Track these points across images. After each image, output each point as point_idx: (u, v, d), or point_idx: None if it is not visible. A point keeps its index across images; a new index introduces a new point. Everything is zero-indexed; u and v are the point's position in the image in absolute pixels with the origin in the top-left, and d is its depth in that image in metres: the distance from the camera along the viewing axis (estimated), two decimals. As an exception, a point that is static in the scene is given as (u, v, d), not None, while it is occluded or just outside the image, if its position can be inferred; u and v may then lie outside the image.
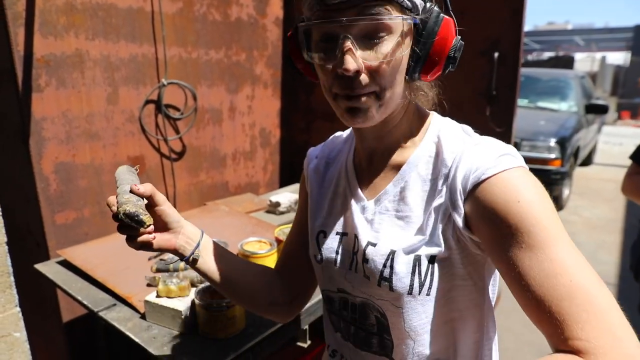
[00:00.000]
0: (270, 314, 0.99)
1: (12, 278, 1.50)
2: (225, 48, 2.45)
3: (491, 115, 2.26)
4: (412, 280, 0.71)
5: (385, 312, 0.76)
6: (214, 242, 0.90)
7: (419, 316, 0.73)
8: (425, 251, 0.71)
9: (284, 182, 2.96)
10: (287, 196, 2.20)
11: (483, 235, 0.66)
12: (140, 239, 0.75)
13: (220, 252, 0.89)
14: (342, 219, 0.84)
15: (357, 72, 0.65)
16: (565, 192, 5.65)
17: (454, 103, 0.83)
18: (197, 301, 1.25)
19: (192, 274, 1.41)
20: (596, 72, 15.52)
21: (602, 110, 6.39)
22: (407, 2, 0.65)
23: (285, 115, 2.90)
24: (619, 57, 25.71)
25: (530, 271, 0.59)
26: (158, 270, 1.50)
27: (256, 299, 0.95)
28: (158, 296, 1.32)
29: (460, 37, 0.70)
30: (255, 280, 0.94)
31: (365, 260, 0.76)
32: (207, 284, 1.33)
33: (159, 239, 0.79)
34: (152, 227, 0.74)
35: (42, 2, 1.72)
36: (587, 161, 8.08)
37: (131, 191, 0.74)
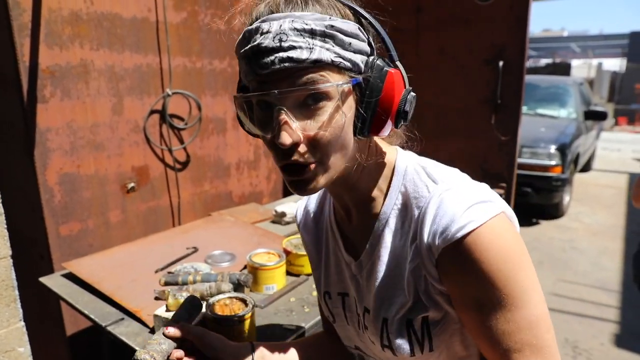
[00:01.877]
0: None
1: (16, 292, 1.47)
2: (229, 58, 2.45)
3: (496, 124, 2.26)
4: (411, 345, 0.71)
5: None
6: (265, 345, 0.89)
7: None
8: (414, 315, 0.70)
9: (287, 191, 2.94)
10: (292, 206, 2.19)
11: (452, 291, 0.67)
12: None
13: (275, 349, 0.89)
14: (338, 279, 0.83)
15: (296, 144, 0.61)
16: (566, 198, 5.65)
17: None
18: (208, 315, 1.23)
19: (202, 287, 1.39)
20: (593, 78, 15.62)
21: (601, 116, 6.41)
22: (345, 62, 0.60)
23: (289, 124, 2.89)
24: (615, 64, 25.91)
25: (490, 329, 0.64)
26: (167, 284, 1.47)
27: None
28: (168, 310, 1.29)
29: (411, 88, 0.65)
30: (317, 355, 0.94)
31: (365, 327, 0.77)
32: (218, 297, 1.31)
33: None
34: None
35: (47, 12, 1.72)
36: (586, 167, 8.10)
37: (164, 333, 0.75)
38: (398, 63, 0.66)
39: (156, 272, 1.60)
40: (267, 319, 1.39)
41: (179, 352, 0.75)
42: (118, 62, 1.98)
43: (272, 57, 0.58)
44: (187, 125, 2.29)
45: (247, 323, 1.23)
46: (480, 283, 0.62)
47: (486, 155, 2.31)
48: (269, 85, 0.60)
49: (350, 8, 0.64)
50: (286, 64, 0.58)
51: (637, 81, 18.10)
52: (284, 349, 0.90)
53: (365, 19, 0.64)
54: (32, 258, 1.99)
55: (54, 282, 1.63)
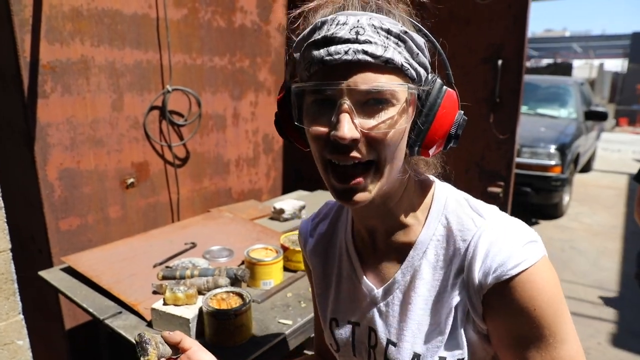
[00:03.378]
0: None
1: (15, 285, 1.49)
2: (229, 55, 2.46)
3: (495, 123, 2.27)
4: None
5: None
6: None
7: None
8: (450, 354, 0.68)
9: (286, 188, 2.95)
10: (291, 203, 2.20)
11: (492, 328, 0.67)
12: None
13: None
14: (351, 306, 0.79)
15: (354, 141, 0.59)
16: (566, 198, 5.65)
17: (442, 165, 0.77)
18: (204, 309, 1.24)
19: (199, 281, 1.40)
20: (594, 78, 15.60)
21: (601, 117, 6.41)
22: (412, 71, 0.61)
23: (288, 122, 2.90)
24: (617, 64, 25.88)
25: None
26: (164, 278, 1.49)
27: None
28: (165, 304, 1.31)
29: (463, 112, 0.66)
30: None
31: (388, 359, 0.73)
32: (215, 291, 1.32)
33: None
34: None
35: (48, 8, 1.73)
36: (587, 168, 8.09)
37: (162, 336, 0.75)
38: (454, 85, 0.66)
39: (154, 266, 1.62)
40: (264, 314, 1.40)
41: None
42: (118, 58, 1.99)
43: (345, 47, 0.57)
44: (187, 121, 2.30)
45: (243, 317, 1.24)
46: (529, 320, 0.63)
47: (484, 153, 2.32)
48: (334, 77, 0.58)
49: (416, 25, 0.64)
50: (360, 57, 0.57)
51: (638, 82, 18.07)
52: None
53: (428, 38, 0.64)
54: (31, 252, 2.00)
55: (53, 276, 1.64)
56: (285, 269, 1.64)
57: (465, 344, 0.67)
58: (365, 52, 0.57)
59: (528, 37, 2.21)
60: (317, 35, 0.60)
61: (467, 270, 0.65)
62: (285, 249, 1.64)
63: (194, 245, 1.80)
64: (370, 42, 0.57)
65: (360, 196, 0.63)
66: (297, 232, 1.82)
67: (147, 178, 2.19)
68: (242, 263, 1.64)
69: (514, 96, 2.22)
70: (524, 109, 6.59)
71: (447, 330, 0.67)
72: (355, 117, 0.58)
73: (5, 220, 1.42)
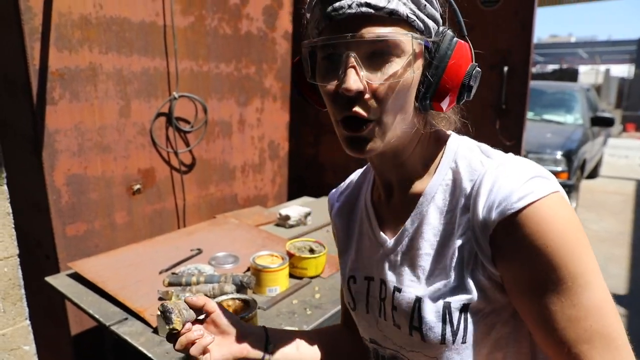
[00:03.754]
0: None
1: (22, 291, 1.49)
2: (236, 61, 2.47)
3: (501, 129, 2.26)
4: (443, 330, 0.65)
5: None
6: (278, 330, 0.88)
7: None
8: (454, 299, 0.64)
9: (292, 195, 2.96)
10: (297, 209, 2.20)
11: (505, 272, 0.62)
12: (182, 338, 0.71)
13: (291, 338, 0.87)
14: (367, 262, 0.79)
15: (360, 93, 0.59)
16: (572, 204, 5.62)
17: (463, 117, 0.76)
18: (210, 316, 1.24)
19: (205, 288, 1.41)
20: (600, 84, 15.54)
21: (608, 122, 6.37)
22: (419, 22, 0.60)
23: (294, 128, 2.91)
24: (623, 70, 25.77)
25: (554, 315, 0.59)
26: (170, 284, 1.49)
27: None
28: (171, 310, 1.31)
29: (477, 64, 0.64)
30: (333, 350, 0.91)
31: (394, 307, 0.71)
32: (221, 298, 1.32)
33: (225, 344, 0.75)
34: (192, 328, 0.72)
35: (58, 17, 1.75)
36: (593, 174, 8.04)
37: (185, 301, 0.75)
38: (466, 37, 0.65)
39: (160, 273, 1.62)
40: (270, 321, 1.40)
41: (197, 326, 0.74)
42: (126, 66, 2.01)
43: (349, 1, 0.58)
44: (193, 128, 2.31)
45: (251, 324, 1.24)
46: (541, 260, 0.57)
47: (490, 160, 2.31)
48: (342, 30, 0.59)
49: None
50: (363, 9, 0.57)
51: (645, 87, 17.97)
52: (297, 336, 0.88)
53: None
54: (38, 258, 2.01)
55: (59, 281, 1.65)
56: (291, 275, 1.64)
57: (473, 289, 0.63)
58: (368, 5, 0.57)
59: (534, 43, 2.21)
60: None
61: (472, 208, 0.63)
62: (291, 255, 1.64)
63: (199, 251, 1.80)
64: None
65: (367, 146, 0.63)
66: (302, 239, 1.83)
67: (153, 184, 2.20)
68: (248, 269, 1.64)
69: (520, 102, 2.22)
70: (530, 115, 6.57)
71: (453, 274, 0.64)
72: (361, 69, 0.59)
73: (13, 225, 1.43)
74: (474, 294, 0.63)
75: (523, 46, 2.16)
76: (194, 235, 1.98)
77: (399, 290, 0.70)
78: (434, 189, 0.69)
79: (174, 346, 0.72)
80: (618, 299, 3.74)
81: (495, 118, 2.26)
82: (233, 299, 1.33)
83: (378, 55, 0.60)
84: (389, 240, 0.74)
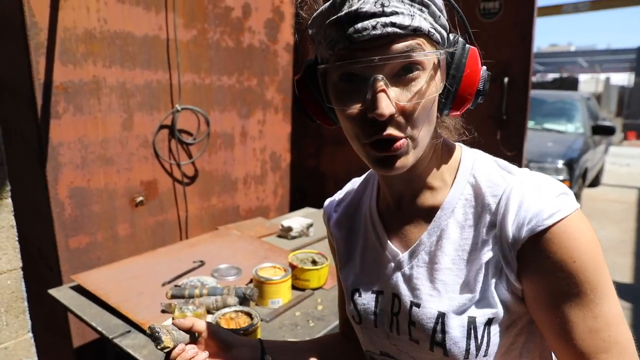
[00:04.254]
0: None
1: (25, 303, 1.50)
2: (238, 74, 2.50)
3: (502, 139, 2.28)
4: (468, 345, 0.65)
5: None
6: (275, 342, 0.88)
7: None
8: (480, 313, 0.64)
9: (293, 206, 2.96)
10: (299, 221, 2.20)
11: (529, 286, 0.63)
12: (178, 359, 0.72)
13: (286, 348, 0.87)
14: (375, 275, 0.77)
15: (391, 116, 0.58)
16: (575, 213, 5.60)
17: (464, 127, 0.77)
18: (213, 329, 1.24)
19: (208, 300, 1.41)
20: (601, 93, 15.57)
21: (609, 131, 6.39)
22: (437, 35, 0.60)
23: (296, 140, 2.92)
24: (623, 78, 25.86)
25: (575, 326, 0.61)
26: (173, 297, 1.49)
27: None
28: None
29: (485, 66, 0.66)
30: (328, 357, 0.91)
31: (412, 323, 0.69)
32: (224, 310, 1.32)
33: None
34: (185, 348, 0.73)
35: (63, 31, 1.77)
36: (595, 182, 8.03)
37: (173, 323, 0.76)
38: (474, 42, 0.66)
39: (163, 285, 1.62)
40: (272, 333, 1.39)
41: (191, 346, 0.74)
42: (129, 79, 2.03)
43: (373, 22, 0.56)
44: (196, 140, 2.33)
45: (252, 337, 1.24)
46: (568, 274, 0.59)
47: (492, 170, 2.32)
48: (363, 53, 0.57)
49: None
50: (388, 30, 0.56)
51: (645, 96, 18.02)
52: (294, 346, 0.88)
53: None
54: (41, 270, 2.02)
55: (62, 294, 1.65)
56: (294, 287, 1.64)
57: (497, 303, 0.64)
58: (393, 24, 0.56)
59: (534, 53, 2.23)
60: (340, 12, 0.58)
61: (499, 225, 0.63)
62: (293, 267, 1.64)
63: (202, 263, 1.80)
64: (397, 13, 0.56)
65: (400, 162, 0.62)
66: (304, 250, 1.83)
67: (156, 196, 2.21)
68: (251, 281, 1.64)
69: (520, 113, 2.23)
70: (531, 124, 6.59)
71: (478, 288, 0.64)
72: (390, 91, 0.58)
73: (17, 238, 1.44)
74: (499, 308, 0.64)
75: (523, 57, 2.18)
76: (196, 247, 1.99)
77: (417, 305, 0.69)
78: (453, 203, 0.69)
79: None
80: (622, 309, 3.71)
81: (496, 129, 2.28)
82: (236, 311, 1.34)
83: (403, 73, 0.59)
84: (402, 253, 0.73)
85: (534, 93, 7.57)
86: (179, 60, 2.18)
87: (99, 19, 1.89)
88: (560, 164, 5.20)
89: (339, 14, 0.58)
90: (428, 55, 0.59)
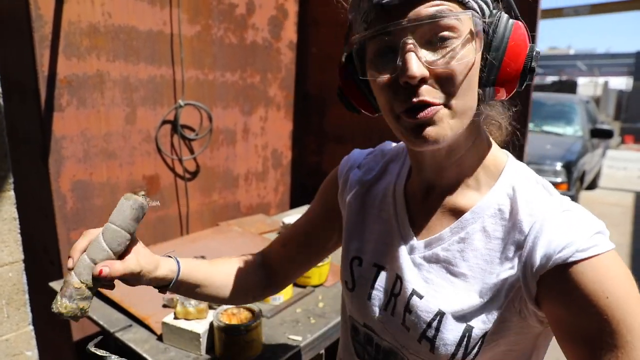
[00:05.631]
0: (236, 301, 0.94)
1: (27, 296, 1.50)
2: (241, 70, 2.50)
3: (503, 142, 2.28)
4: (456, 350, 0.64)
5: None
6: (188, 261, 0.86)
7: None
8: (479, 326, 0.63)
9: (294, 203, 2.97)
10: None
11: (555, 316, 0.60)
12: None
13: (195, 263, 0.86)
14: (381, 249, 0.75)
15: (423, 80, 0.56)
16: (572, 216, 5.63)
17: (516, 129, 0.75)
18: (215, 324, 1.25)
19: (210, 295, 1.41)
20: (599, 96, 15.64)
21: (607, 134, 6.42)
22: (473, 3, 0.58)
23: (297, 137, 2.93)
24: (621, 82, 25.94)
25: None
26: (175, 291, 1.49)
27: (233, 294, 0.91)
28: (176, 318, 1.31)
29: (535, 45, 0.61)
30: (236, 276, 0.91)
31: (409, 310, 0.68)
32: (225, 307, 1.33)
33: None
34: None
35: (67, 25, 1.77)
36: (592, 185, 8.07)
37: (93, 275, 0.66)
38: (520, 19, 0.62)
39: (165, 280, 1.62)
40: (273, 329, 1.40)
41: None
42: (133, 73, 2.03)
43: None
44: (198, 136, 2.33)
45: (254, 333, 1.25)
46: (600, 309, 0.56)
47: (492, 171, 2.33)
48: (392, 18, 0.56)
49: None
50: None
51: (643, 100, 18.08)
52: (201, 262, 0.88)
53: None
54: (43, 263, 2.02)
55: (64, 287, 1.65)
56: (295, 284, 1.64)
57: (502, 322, 0.62)
58: None
59: (536, 57, 2.23)
60: None
61: (529, 247, 0.60)
62: (294, 264, 1.65)
63: (203, 259, 1.80)
64: None
65: (433, 130, 0.58)
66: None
67: (157, 191, 2.21)
68: (252, 278, 1.65)
69: (521, 116, 2.24)
70: (530, 126, 6.60)
71: (486, 301, 0.62)
72: (420, 53, 0.56)
73: (19, 231, 1.44)
74: (500, 327, 0.63)
75: (525, 59, 2.19)
76: (197, 242, 1.99)
77: (420, 296, 0.68)
78: (485, 210, 0.66)
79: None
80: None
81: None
82: (238, 307, 1.34)
83: (435, 37, 0.57)
84: (417, 239, 0.71)
85: (533, 96, 7.58)
86: (183, 56, 2.18)
87: (104, 13, 1.89)
88: (558, 166, 5.23)
89: None
90: (460, 17, 0.56)
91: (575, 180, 5.46)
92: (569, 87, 14.34)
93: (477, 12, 0.59)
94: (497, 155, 0.70)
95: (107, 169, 2.00)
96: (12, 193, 1.40)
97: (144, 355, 1.27)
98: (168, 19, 2.11)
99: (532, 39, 0.59)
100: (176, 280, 0.78)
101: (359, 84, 0.67)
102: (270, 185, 2.82)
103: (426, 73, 0.56)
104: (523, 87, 0.62)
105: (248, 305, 1.34)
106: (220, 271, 0.91)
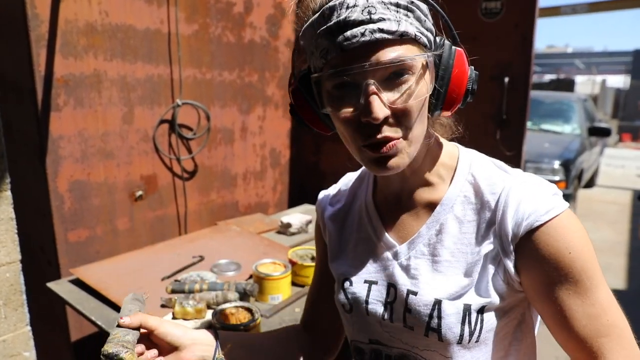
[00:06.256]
0: None
1: (24, 296, 1.49)
2: (239, 69, 2.49)
3: (501, 139, 2.28)
4: (462, 330, 0.68)
5: None
6: (231, 333, 0.86)
7: None
8: (475, 301, 0.68)
9: (292, 202, 2.97)
10: (298, 217, 2.21)
11: (529, 278, 0.67)
12: None
13: (242, 341, 0.86)
14: (368, 266, 0.79)
15: (385, 118, 0.62)
16: (570, 214, 5.64)
17: (464, 126, 0.81)
18: (214, 324, 1.24)
19: (208, 295, 1.41)
20: (597, 94, 15.66)
21: (605, 133, 6.43)
22: (423, 38, 0.63)
23: (295, 136, 2.92)
24: (619, 80, 26.00)
25: (575, 314, 0.65)
26: (173, 292, 1.49)
27: None
28: (174, 318, 1.31)
29: (473, 67, 0.68)
30: (284, 351, 0.90)
31: (408, 310, 0.72)
32: (224, 306, 1.33)
33: (174, 357, 0.73)
34: (144, 350, 0.69)
35: (64, 24, 1.76)
36: (590, 183, 8.09)
37: (119, 325, 0.69)
38: (460, 43, 0.68)
39: (162, 279, 1.62)
40: (272, 329, 1.40)
41: (141, 347, 0.70)
42: (130, 73, 2.02)
43: (361, 29, 0.59)
44: (196, 135, 2.32)
45: (252, 332, 1.24)
46: (564, 265, 0.64)
47: (491, 170, 2.33)
48: (354, 60, 0.60)
49: None
50: (377, 36, 0.59)
51: (641, 98, 18.12)
52: (250, 339, 0.88)
53: (428, 2, 0.66)
54: (40, 263, 2.01)
55: (61, 287, 1.65)
56: (294, 283, 1.64)
57: (492, 293, 0.68)
58: (381, 30, 0.59)
59: (534, 54, 2.24)
60: (329, 22, 0.60)
61: (499, 221, 0.67)
62: (293, 263, 1.64)
63: (201, 258, 1.80)
64: (384, 20, 0.59)
65: (394, 161, 0.65)
66: (304, 247, 1.83)
67: (155, 191, 2.21)
68: (250, 277, 1.65)
69: (520, 113, 2.24)
70: (528, 124, 6.61)
71: (475, 278, 0.68)
72: (382, 95, 0.61)
73: (16, 231, 1.43)
74: (493, 297, 0.68)
75: (523, 58, 2.19)
76: (196, 242, 1.98)
77: (414, 293, 0.71)
78: (452, 199, 0.73)
79: None
80: (616, 309, 3.74)
81: (496, 129, 2.28)
82: (236, 306, 1.34)
83: (394, 77, 0.62)
84: (399, 244, 0.76)
85: (531, 94, 7.59)
86: (180, 55, 2.18)
87: (101, 12, 1.88)
88: (556, 164, 5.23)
89: (328, 24, 0.60)
90: (416, 58, 0.61)
91: (573, 179, 5.46)
92: (567, 85, 14.36)
93: (428, 47, 0.64)
94: (449, 150, 0.77)
95: (104, 168, 1.99)
96: (9, 193, 1.39)
97: None
98: (165, 18, 2.11)
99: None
100: (218, 346, 0.78)
101: (313, 108, 0.71)
102: (269, 184, 2.81)
103: (388, 113, 0.61)
104: (465, 104, 0.70)
105: (246, 305, 1.34)
106: (271, 342, 0.91)
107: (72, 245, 1.92)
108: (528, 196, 0.66)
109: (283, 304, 1.53)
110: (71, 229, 1.91)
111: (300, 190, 3.01)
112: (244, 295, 1.47)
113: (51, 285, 1.67)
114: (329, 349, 0.96)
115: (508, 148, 2.27)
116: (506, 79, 2.21)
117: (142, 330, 0.71)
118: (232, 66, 2.45)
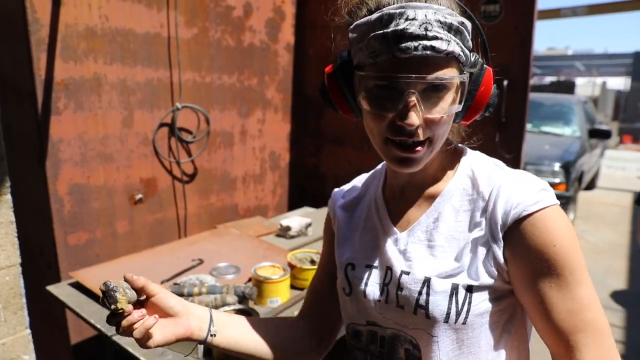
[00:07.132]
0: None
1: (24, 300, 1.50)
2: (238, 73, 2.50)
3: (501, 142, 2.29)
4: (449, 308, 0.71)
5: (419, 341, 0.75)
6: (225, 313, 0.88)
7: (454, 345, 0.73)
8: (464, 281, 0.71)
9: (292, 205, 2.97)
10: (298, 220, 2.21)
11: (514, 267, 0.71)
12: (124, 322, 0.69)
13: (236, 322, 0.87)
14: (371, 252, 0.83)
15: (418, 126, 0.67)
16: (570, 216, 5.63)
17: (465, 131, 0.86)
18: (213, 327, 1.24)
19: (207, 299, 1.41)
20: (597, 96, 15.67)
21: (605, 135, 6.43)
22: (464, 58, 0.68)
23: (295, 139, 2.93)
24: (619, 82, 25.99)
25: (555, 306, 0.69)
26: (172, 295, 1.49)
27: (284, 356, 0.91)
28: (173, 321, 1.31)
29: (495, 84, 0.74)
30: (279, 338, 0.91)
31: (400, 288, 0.76)
32: (223, 309, 1.33)
33: (167, 326, 0.74)
34: (132, 310, 0.70)
35: (64, 28, 1.77)
36: (591, 185, 8.08)
37: (125, 279, 0.71)
38: (490, 63, 0.74)
39: (162, 283, 1.62)
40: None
41: (142, 311, 0.71)
42: (130, 76, 2.03)
43: (416, 44, 0.63)
44: (195, 138, 2.33)
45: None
46: (548, 257, 0.67)
47: (490, 172, 2.33)
48: (404, 68, 0.65)
49: (462, 7, 0.71)
50: (428, 52, 0.63)
51: (641, 100, 18.11)
52: (244, 322, 0.89)
53: (474, 23, 0.71)
54: (40, 266, 2.01)
55: (61, 290, 1.65)
56: (292, 287, 1.64)
57: (480, 276, 0.71)
58: (432, 48, 0.63)
59: (533, 56, 2.24)
60: (387, 29, 0.64)
61: (491, 210, 0.71)
62: (292, 266, 1.65)
63: (201, 261, 1.80)
64: (437, 38, 0.63)
65: (416, 164, 0.71)
66: (303, 250, 1.84)
67: (155, 194, 2.21)
68: (249, 280, 1.65)
69: (519, 115, 2.24)
70: (528, 126, 6.60)
71: (466, 261, 0.72)
72: (421, 105, 0.66)
73: (16, 234, 1.44)
74: (482, 280, 0.71)
75: (522, 60, 2.19)
76: (195, 245, 1.99)
77: (407, 273, 0.76)
78: (452, 191, 0.78)
79: (116, 329, 0.71)
80: (616, 311, 3.74)
81: (495, 131, 2.29)
82: (235, 310, 1.34)
83: (432, 90, 0.67)
84: (400, 232, 0.80)
85: (531, 96, 7.59)
86: (180, 58, 2.18)
87: (100, 16, 1.89)
88: (557, 166, 5.23)
89: (385, 30, 0.64)
90: (455, 78, 0.68)
91: (574, 181, 5.46)
92: (567, 87, 14.37)
93: (465, 64, 0.69)
94: (456, 148, 0.83)
95: (104, 172, 2.00)
96: (9, 197, 1.40)
97: (142, 358, 1.26)
98: (165, 22, 2.12)
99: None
100: (212, 320, 0.81)
101: (345, 94, 0.75)
102: (268, 187, 2.82)
103: (421, 122, 0.67)
104: (482, 117, 0.76)
105: (245, 308, 1.34)
106: (266, 328, 0.92)
107: (71, 248, 1.93)
108: (519, 188, 0.70)
109: (282, 307, 1.53)
110: (71, 232, 1.91)
111: (300, 193, 3.01)
112: (243, 299, 1.47)
113: (51, 288, 1.67)
114: (322, 339, 0.97)
115: (507, 150, 2.27)
116: (505, 82, 2.22)
117: (141, 297, 0.73)
118: (231, 70, 2.46)
